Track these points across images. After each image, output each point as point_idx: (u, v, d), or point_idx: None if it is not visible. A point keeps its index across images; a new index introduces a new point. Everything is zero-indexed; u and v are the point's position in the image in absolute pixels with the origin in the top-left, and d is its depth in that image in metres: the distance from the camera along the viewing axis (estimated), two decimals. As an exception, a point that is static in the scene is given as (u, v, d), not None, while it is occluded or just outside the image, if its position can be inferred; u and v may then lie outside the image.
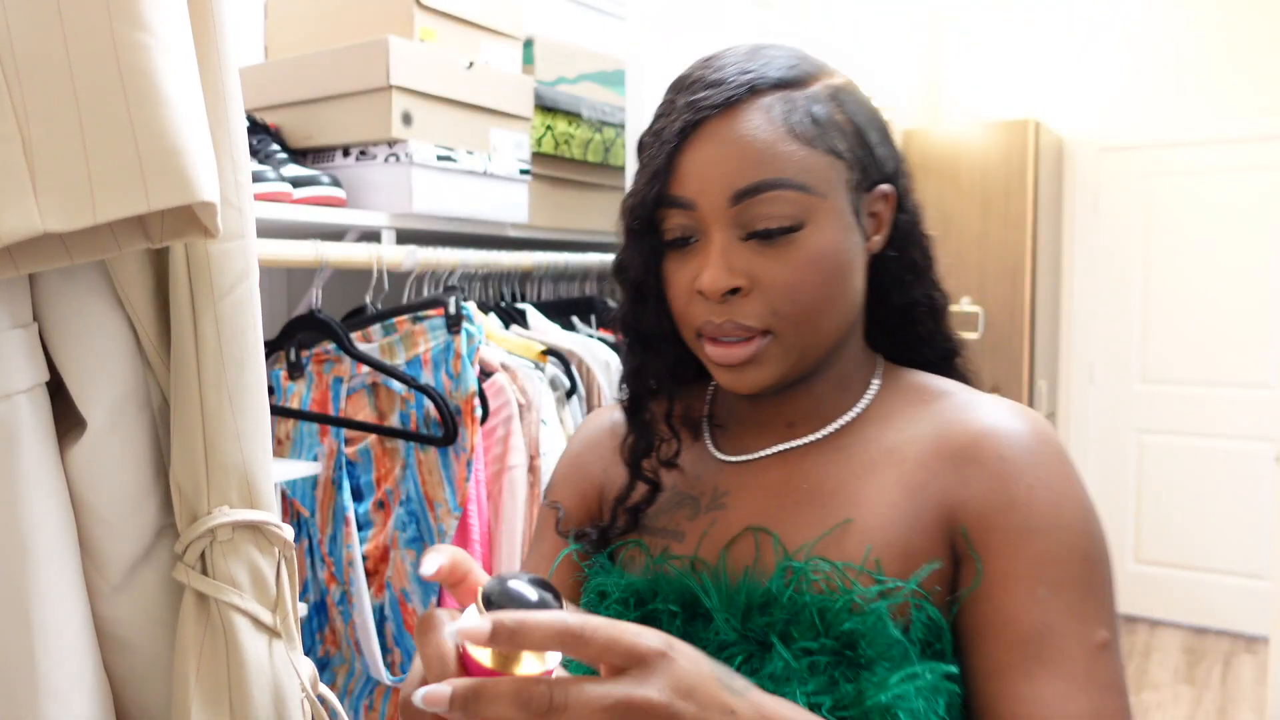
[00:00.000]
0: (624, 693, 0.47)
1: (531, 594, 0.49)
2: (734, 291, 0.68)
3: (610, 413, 0.87)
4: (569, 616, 0.47)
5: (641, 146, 0.73)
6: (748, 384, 0.70)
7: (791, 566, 0.67)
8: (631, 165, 1.79)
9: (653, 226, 0.71)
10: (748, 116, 0.67)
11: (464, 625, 0.46)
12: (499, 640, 0.46)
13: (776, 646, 0.64)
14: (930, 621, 0.64)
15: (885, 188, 0.73)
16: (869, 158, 0.71)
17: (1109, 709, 0.60)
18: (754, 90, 0.68)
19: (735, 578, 0.69)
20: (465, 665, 0.49)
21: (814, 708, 0.61)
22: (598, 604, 0.75)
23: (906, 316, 0.78)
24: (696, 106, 0.68)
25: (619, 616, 0.72)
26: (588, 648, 0.47)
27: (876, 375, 0.76)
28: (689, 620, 0.70)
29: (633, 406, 0.79)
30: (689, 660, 0.50)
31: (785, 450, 0.74)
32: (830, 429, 0.74)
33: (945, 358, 0.80)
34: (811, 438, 0.74)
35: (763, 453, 0.75)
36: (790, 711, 0.53)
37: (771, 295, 0.67)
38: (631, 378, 0.79)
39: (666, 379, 0.78)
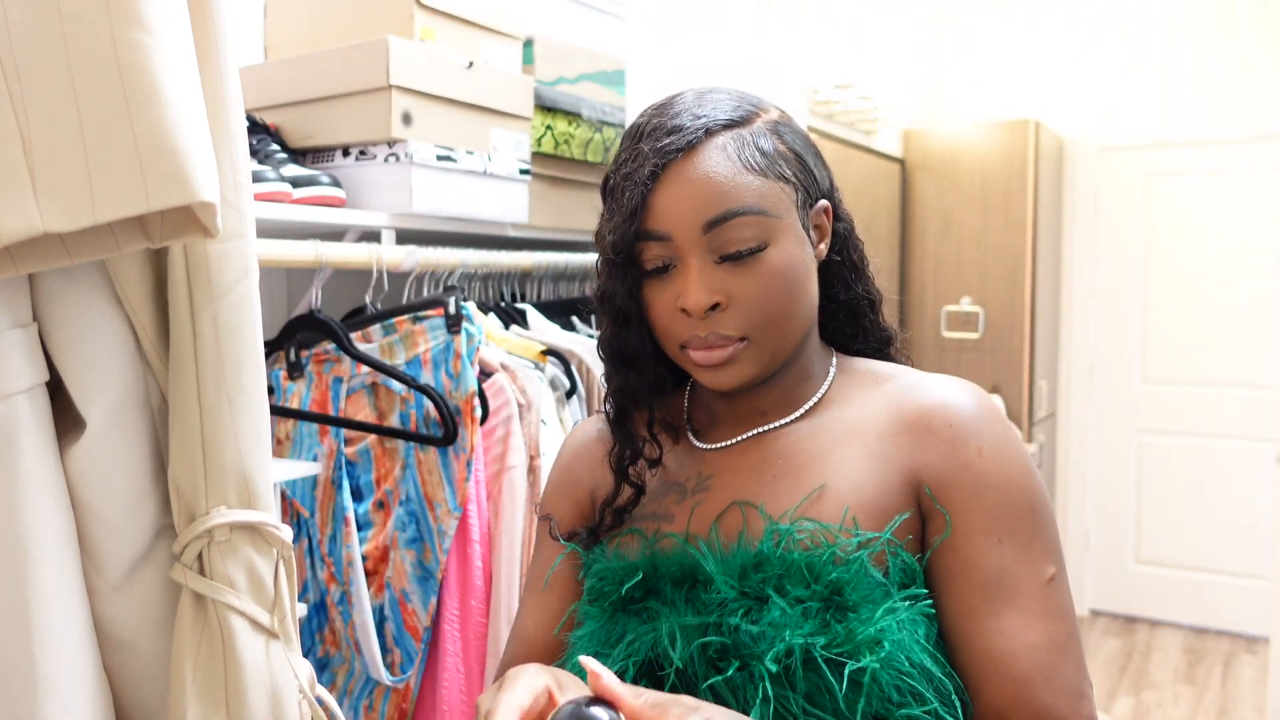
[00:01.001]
0: None
1: (604, 716, 0.55)
2: (714, 307, 0.77)
3: (595, 423, 0.96)
4: None
5: (610, 188, 0.83)
6: (727, 381, 0.79)
7: (778, 529, 0.76)
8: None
9: (632, 258, 0.79)
10: (707, 156, 0.77)
11: None
12: None
13: (773, 598, 0.72)
14: (905, 565, 0.74)
15: (824, 203, 0.84)
16: (809, 179, 0.82)
17: (1060, 634, 0.72)
18: (709, 132, 0.78)
19: (729, 544, 0.78)
20: None
21: (810, 647, 0.69)
22: (598, 585, 0.82)
23: (852, 311, 0.90)
24: (662, 151, 0.77)
25: (619, 594, 0.80)
26: None
27: (832, 364, 0.88)
28: (690, 588, 0.77)
29: (618, 419, 0.87)
30: None
31: (759, 434, 0.84)
32: (797, 413, 0.84)
33: (883, 345, 0.92)
34: (781, 421, 0.84)
35: (740, 438, 0.85)
36: None
37: (746, 307, 0.77)
38: (617, 394, 0.87)
39: (647, 392, 0.87)
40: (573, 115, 1.89)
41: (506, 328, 1.66)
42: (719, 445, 0.86)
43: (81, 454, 0.71)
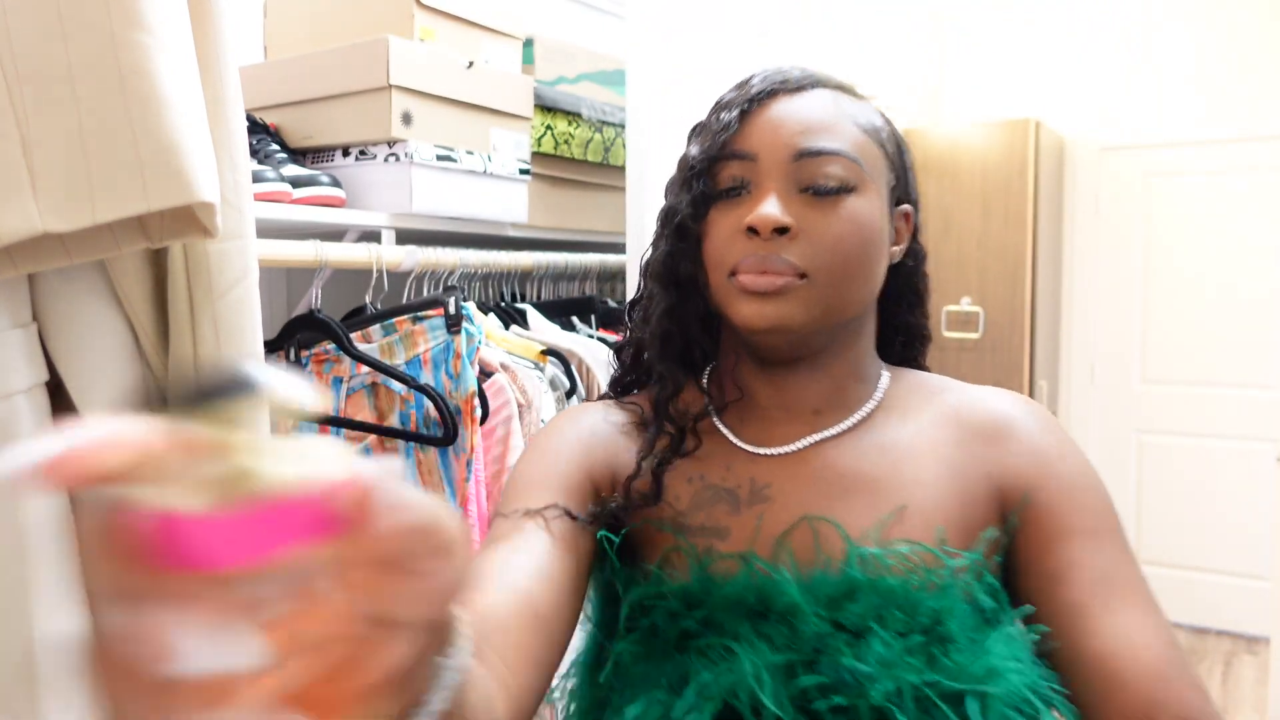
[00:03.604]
0: None
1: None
2: (783, 232, 0.71)
3: (596, 409, 0.83)
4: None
5: (702, 123, 0.79)
6: (771, 315, 0.71)
7: (865, 553, 0.68)
8: (635, 165, 1.79)
9: (706, 176, 0.75)
10: (816, 97, 0.75)
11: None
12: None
13: (877, 632, 0.65)
14: (990, 586, 0.69)
15: (908, 207, 0.81)
16: (904, 174, 0.80)
17: (1168, 628, 0.67)
18: (821, 83, 0.77)
19: (806, 568, 0.69)
20: None
21: (925, 684, 0.62)
22: (640, 616, 0.70)
23: (908, 338, 0.87)
24: (771, 82, 0.75)
25: (671, 626, 0.68)
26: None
27: (884, 372, 0.82)
28: (759, 618, 0.67)
29: (665, 345, 0.79)
30: None
31: (819, 441, 0.76)
32: (856, 418, 0.77)
33: None
34: (841, 427, 0.76)
35: (799, 444, 0.76)
36: None
37: (815, 241, 0.72)
38: (664, 316, 0.79)
39: (696, 325, 0.80)
40: (573, 115, 1.89)
41: (506, 328, 1.66)
42: (775, 450, 0.76)
43: (81, 454, 0.71)
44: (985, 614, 0.67)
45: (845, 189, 0.72)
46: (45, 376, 0.70)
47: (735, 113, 0.74)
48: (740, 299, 0.72)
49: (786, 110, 0.74)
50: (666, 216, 0.78)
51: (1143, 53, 3.87)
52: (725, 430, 0.78)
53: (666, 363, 0.79)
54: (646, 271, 0.81)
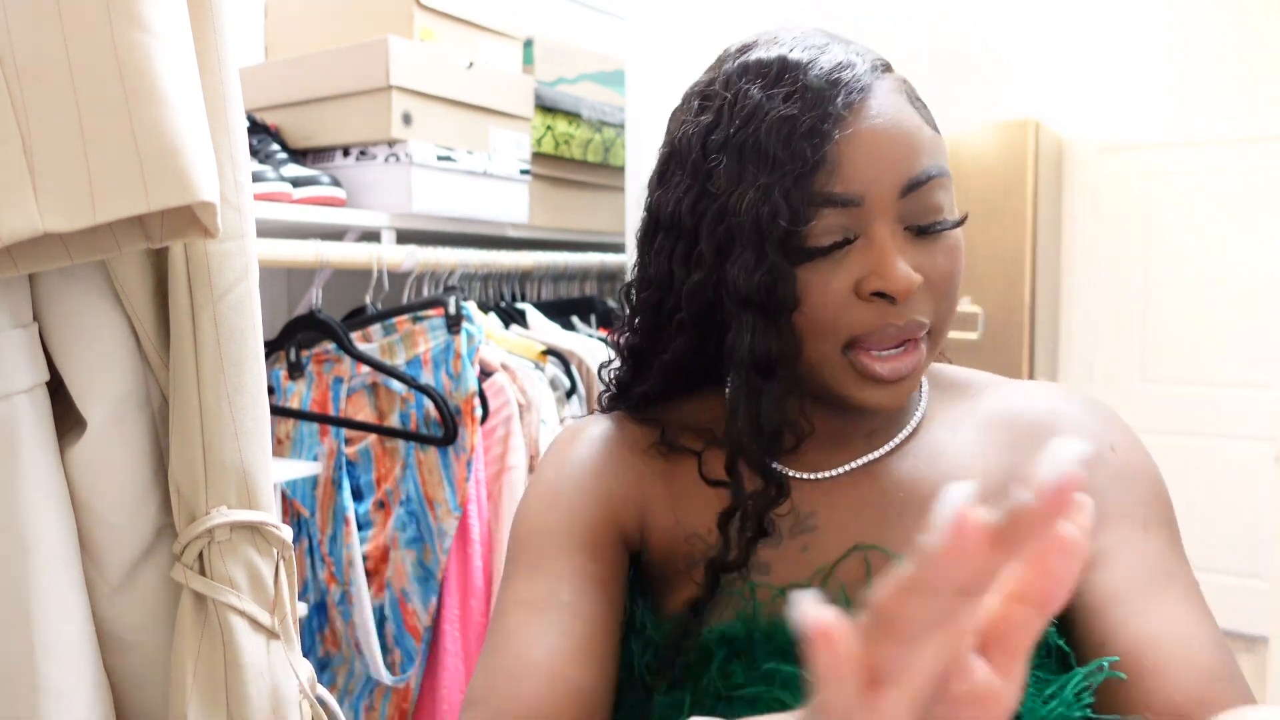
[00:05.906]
0: None
1: None
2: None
3: (603, 425, 0.74)
4: None
5: (739, 144, 0.62)
6: (905, 394, 0.63)
7: None
8: (635, 165, 1.79)
9: (794, 232, 0.60)
10: (890, 99, 0.62)
11: None
12: None
13: None
14: (1057, 620, 0.62)
15: None
16: None
17: (1219, 632, 0.58)
18: (881, 67, 0.64)
19: (859, 604, 0.61)
20: None
21: None
22: (679, 665, 0.64)
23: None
24: (849, 88, 0.60)
25: (708, 668, 0.62)
26: None
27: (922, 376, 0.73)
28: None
29: (771, 446, 0.65)
30: None
31: (869, 462, 0.68)
32: (903, 435, 0.69)
33: None
34: (888, 446, 0.68)
35: (846, 467, 0.68)
36: None
37: (938, 289, 0.62)
38: (764, 417, 0.63)
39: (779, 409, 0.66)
40: (573, 115, 1.89)
41: (506, 327, 1.66)
42: (818, 475, 0.68)
43: (82, 454, 0.71)
44: (1048, 649, 0.59)
45: (955, 220, 0.63)
46: (46, 376, 0.70)
47: (819, 141, 0.58)
48: (862, 383, 0.62)
49: (877, 124, 0.60)
50: (749, 296, 0.60)
51: (1142, 53, 3.88)
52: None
53: (768, 465, 0.65)
54: (730, 357, 0.64)
